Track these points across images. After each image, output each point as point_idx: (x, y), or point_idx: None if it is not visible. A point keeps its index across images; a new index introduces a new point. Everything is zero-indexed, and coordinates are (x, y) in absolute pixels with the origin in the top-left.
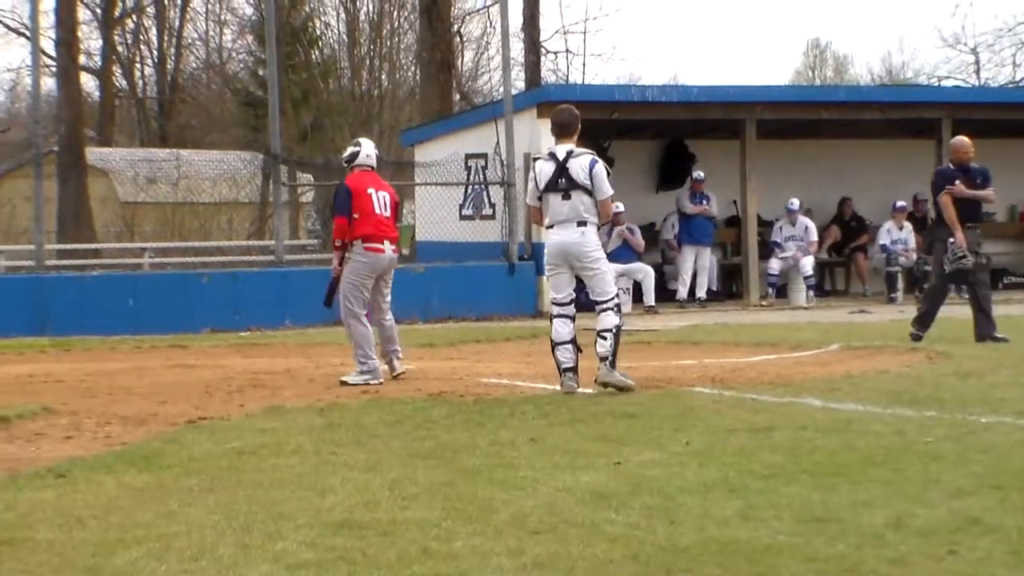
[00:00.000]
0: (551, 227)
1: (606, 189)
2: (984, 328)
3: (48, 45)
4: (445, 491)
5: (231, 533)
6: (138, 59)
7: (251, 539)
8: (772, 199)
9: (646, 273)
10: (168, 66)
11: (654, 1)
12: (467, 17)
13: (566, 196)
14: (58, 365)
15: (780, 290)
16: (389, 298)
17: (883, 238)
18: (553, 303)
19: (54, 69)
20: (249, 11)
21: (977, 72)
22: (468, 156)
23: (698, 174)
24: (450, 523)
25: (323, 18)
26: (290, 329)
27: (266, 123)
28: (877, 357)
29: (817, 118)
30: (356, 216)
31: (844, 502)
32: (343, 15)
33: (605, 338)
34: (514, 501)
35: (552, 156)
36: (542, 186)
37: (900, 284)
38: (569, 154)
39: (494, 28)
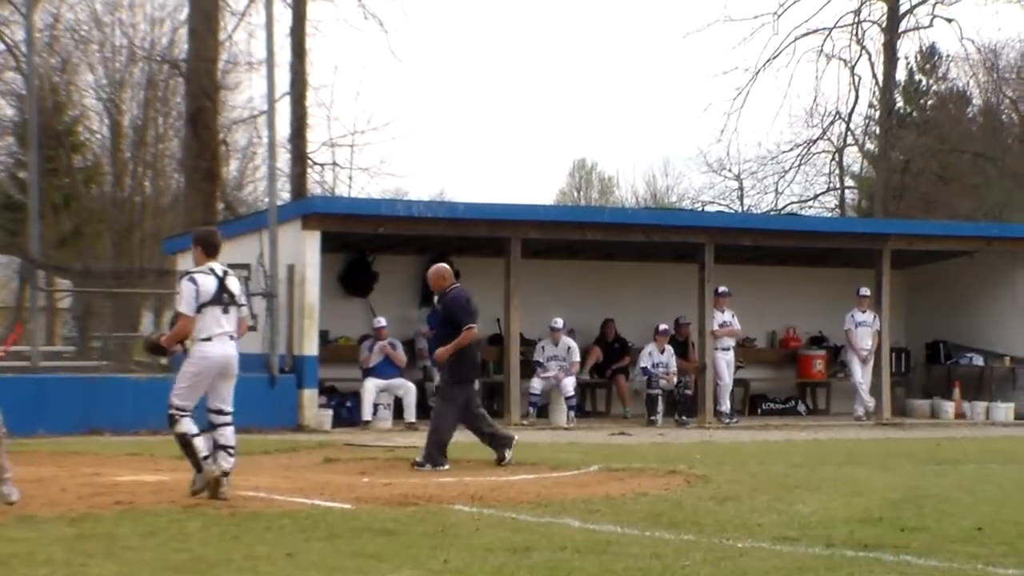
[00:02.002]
0: (208, 339)
1: (247, 306)
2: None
3: None
4: None
5: None
6: None
7: None
8: (535, 318)
9: (407, 389)
10: None
11: (422, 117)
12: (233, 126)
13: (226, 311)
14: None
15: (541, 409)
16: None
17: (644, 360)
18: (182, 410)
19: None
20: (10, 112)
21: (740, 198)
22: (231, 266)
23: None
24: None
25: (87, 123)
26: (43, 438)
27: (25, 227)
28: (636, 479)
29: (582, 239)
30: None
31: None
32: (107, 120)
33: (232, 454)
34: None
35: (212, 271)
36: (207, 299)
37: (660, 407)
38: (225, 272)
39: (260, 138)
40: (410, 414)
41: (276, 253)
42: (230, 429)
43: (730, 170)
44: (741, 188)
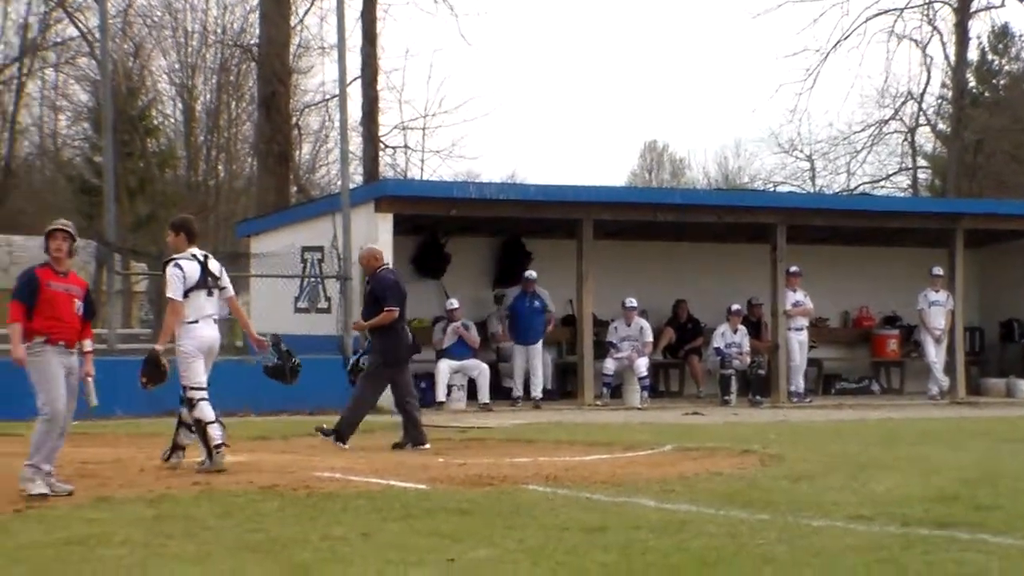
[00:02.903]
0: (195, 322)
1: (231, 287)
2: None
3: None
4: None
5: None
6: None
7: None
8: (608, 299)
9: (481, 370)
10: (2, 151)
11: (494, 99)
12: (306, 110)
13: (210, 294)
14: None
15: (615, 390)
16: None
17: (717, 341)
18: (197, 388)
19: None
20: (85, 98)
21: (812, 179)
22: (304, 248)
23: (530, 273)
24: None
25: (161, 107)
26: (120, 419)
27: (101, 211)
28: (710, 459)
29: (653, 220)
30: None
31: None
32: (180, 105)
33: (193, 433)
34: None
35: (194, 257)
36: (192, 284)
37: (734, 387)
38: (206, 256)
39: (333, 122)
40: (484, 395)
41: (349, 236)
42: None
43: (801, 151)
44: (813, 168)
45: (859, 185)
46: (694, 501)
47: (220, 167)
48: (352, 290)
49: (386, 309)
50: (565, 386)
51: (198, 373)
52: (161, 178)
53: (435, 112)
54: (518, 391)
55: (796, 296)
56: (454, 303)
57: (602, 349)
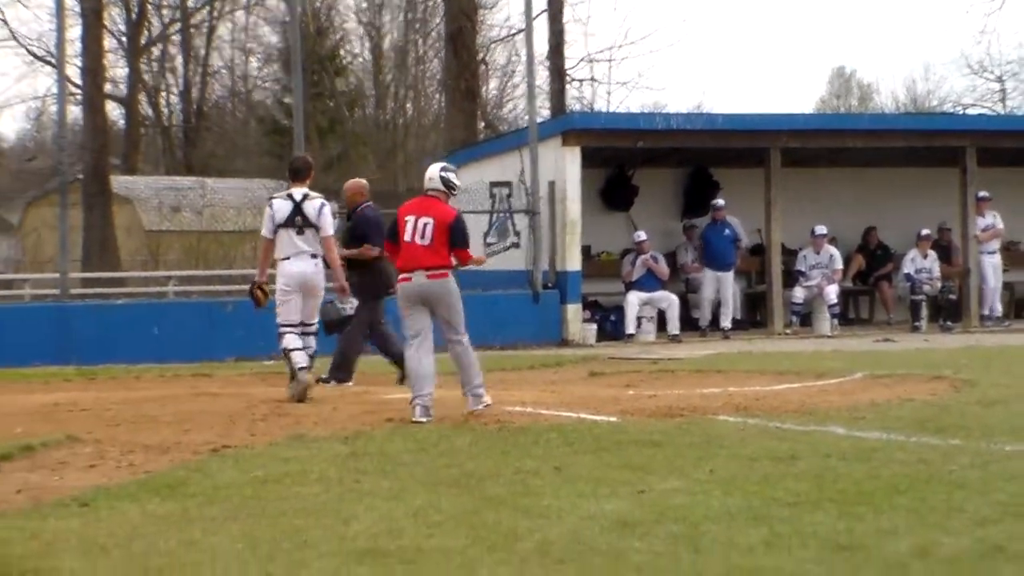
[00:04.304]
0: (287, 259)
1: (329, 228)
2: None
3: (74, 73)
4: (470, 519)
5: (254, 562)
6: (163, 87)
7: (274, 568)
8: (796, 227)
9: (670, 302)
10: (193, 94)
11: (679, 29)
12: (492, 45)
13: (300, 232)
14: (83, 394)
15: (804, 318)
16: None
17: (908, 267)
18: (285, 324)
19: (80, 97)
20: (275, 40)
21: (1003, 100)
22: (493, 184)
23: (718, 202)
24: (475, 551)
25: (349, 47)
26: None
27: (291, 151)
28: (901, 385)
29: (842, 146)
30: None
31: (869, 530)
32: (368, 44)
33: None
34: (539, 529)
35: (289, 197)
36: (281, 222)
37: (925, 312)
38: (304, 196)
39: (519, 56)
40: (673, 326)
41: (537, 170)
42: (314, 338)
43: (991, 72)
44: (1003, 90)
45: None
46: (885, 428)
47: (408, 105)
48: (540, 225)
49: (364, 246)
50: (754, 315)
51: (288, 312)
52: (351, 117)
53: (621, 44)
54: (706, 320)
55: (987, 220)
56: (642, 235)
57: (791, 278)
